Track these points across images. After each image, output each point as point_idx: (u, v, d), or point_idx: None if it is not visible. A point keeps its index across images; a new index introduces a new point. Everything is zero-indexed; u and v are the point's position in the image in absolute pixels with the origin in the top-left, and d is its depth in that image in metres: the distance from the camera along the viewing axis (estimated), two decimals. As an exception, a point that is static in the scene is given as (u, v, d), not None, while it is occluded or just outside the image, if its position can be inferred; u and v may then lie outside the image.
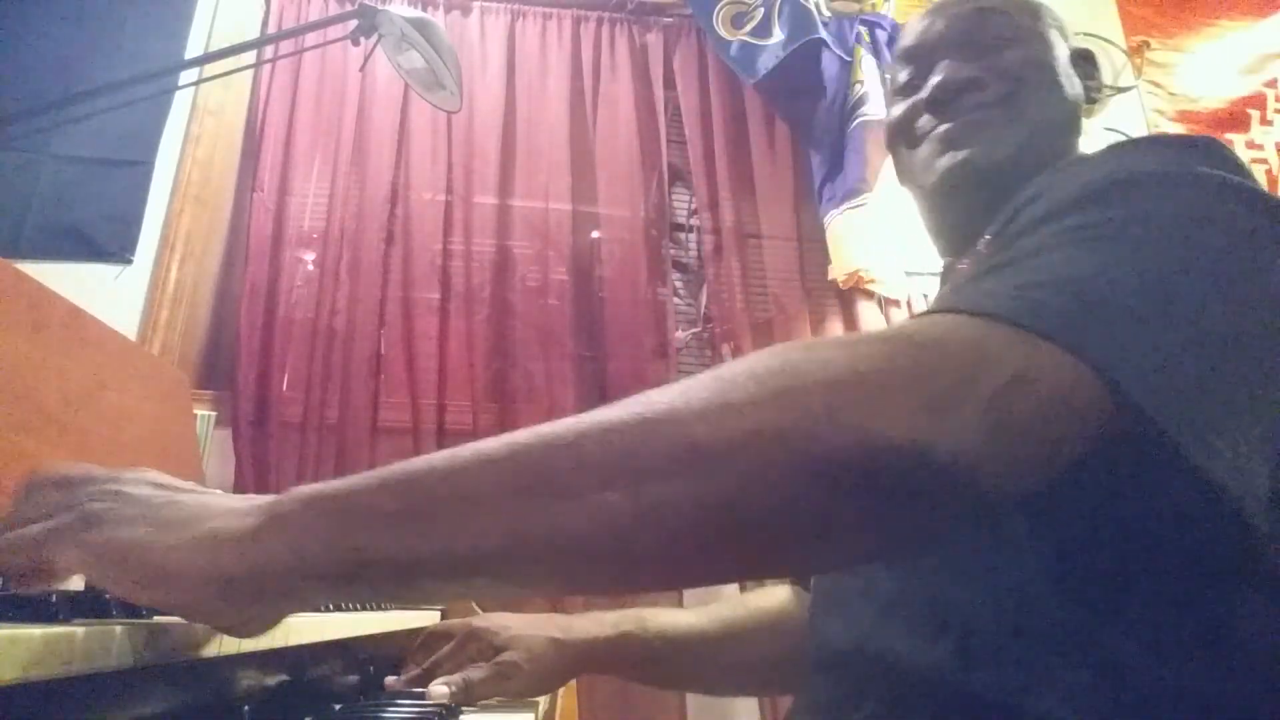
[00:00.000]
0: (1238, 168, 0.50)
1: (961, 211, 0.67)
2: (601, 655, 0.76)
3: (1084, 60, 0.72)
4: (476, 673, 0.71)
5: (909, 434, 0.33)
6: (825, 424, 0.33)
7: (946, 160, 0.66)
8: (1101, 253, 0.42)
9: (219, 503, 0.40)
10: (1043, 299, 0.39)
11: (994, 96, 0.65)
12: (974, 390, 0.34)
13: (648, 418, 0.34)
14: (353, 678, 0.75)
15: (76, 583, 0.47)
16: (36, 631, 0.32)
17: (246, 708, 0.51)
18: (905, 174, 0.73)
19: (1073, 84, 0.69)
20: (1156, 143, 0.67)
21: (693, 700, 1.64)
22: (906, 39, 0.72)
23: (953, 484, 0.34)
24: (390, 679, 0.79)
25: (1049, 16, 0.71)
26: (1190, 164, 0.48)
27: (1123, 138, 0.60)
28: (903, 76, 0.72)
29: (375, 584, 0.38)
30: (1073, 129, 0.69)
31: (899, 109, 0.71)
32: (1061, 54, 0.70)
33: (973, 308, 0.39)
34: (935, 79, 0.68)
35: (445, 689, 0.67)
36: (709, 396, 0.34)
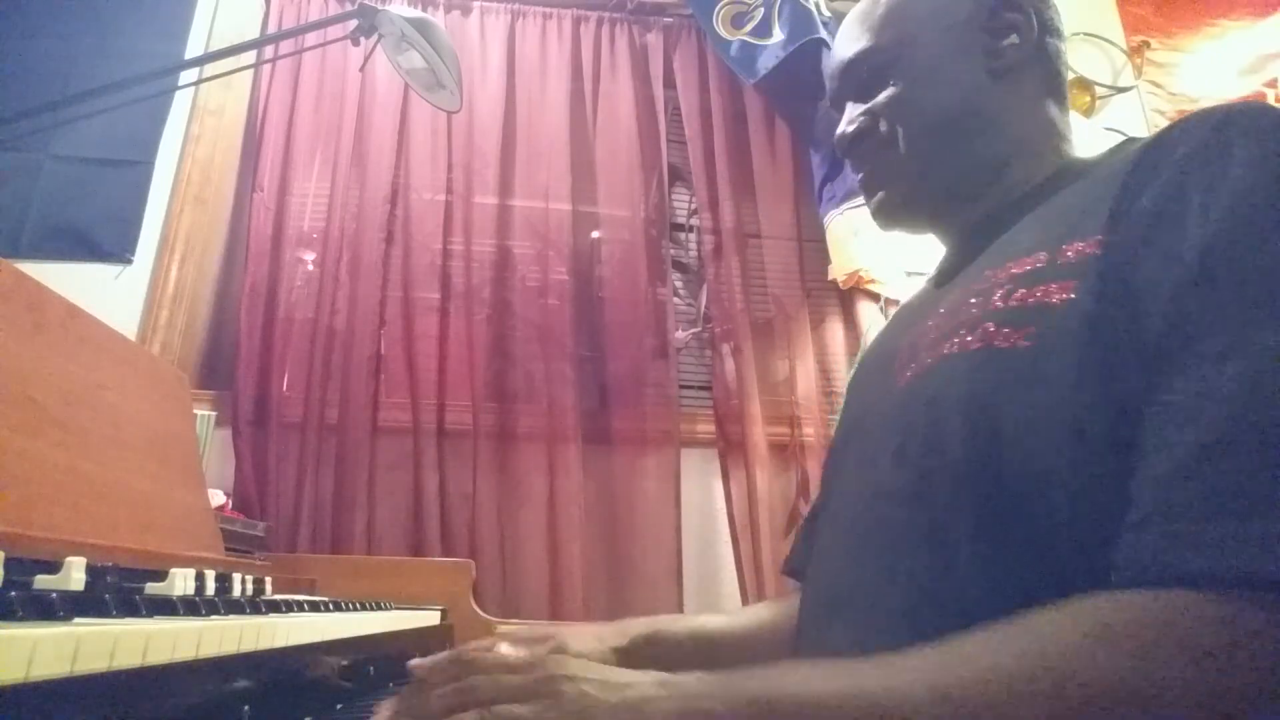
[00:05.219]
0: None
1: (915, 230, 0.71)
2: (640, 653, 0.76)
3: (1004, 8, 0.65)
4: None
5: None
6: None
7: (871, 206, 0.71)
8: None
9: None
10: None
11: (885, 139, 0.68)
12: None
13: None
14: (352, 678, 0.75)
15: (78, 581, 0.47)
16: (36, 631, 0.32)
17: (246, 708, 0.51)
18: None
19: (978, 55, 0.65)
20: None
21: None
22: (826, 63, 0.75)
23: None
24: (415, 661, 0.79)
25: None
26: None
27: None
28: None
29: None
30: (1010, 93, 0.64)
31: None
32: (954, 36, 0.66)
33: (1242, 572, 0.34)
34: (838, 131, 0.72)
35: None
36: None
